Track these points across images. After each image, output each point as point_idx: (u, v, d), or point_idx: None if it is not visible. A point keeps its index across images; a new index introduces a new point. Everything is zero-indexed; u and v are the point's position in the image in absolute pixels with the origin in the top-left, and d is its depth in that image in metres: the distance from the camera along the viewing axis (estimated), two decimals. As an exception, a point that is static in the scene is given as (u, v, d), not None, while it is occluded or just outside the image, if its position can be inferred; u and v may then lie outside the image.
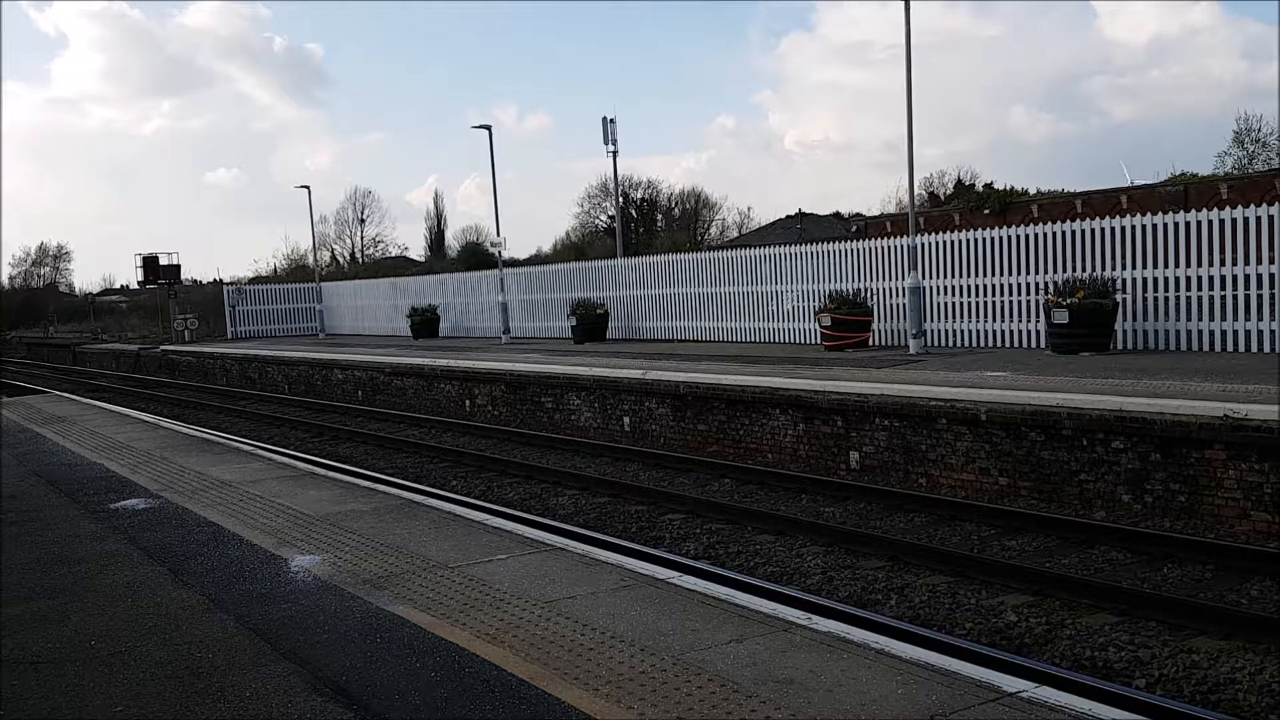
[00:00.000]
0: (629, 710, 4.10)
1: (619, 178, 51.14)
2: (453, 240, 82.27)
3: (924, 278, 17.80)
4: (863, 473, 12.15)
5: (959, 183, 55.36)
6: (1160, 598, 7.27)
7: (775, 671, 4.44)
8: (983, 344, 17.53)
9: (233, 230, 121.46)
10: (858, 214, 57.51)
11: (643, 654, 4.72)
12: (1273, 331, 13.98)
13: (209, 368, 33.29)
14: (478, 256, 62.69)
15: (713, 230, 74.56)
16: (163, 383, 33.00)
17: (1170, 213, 15.63)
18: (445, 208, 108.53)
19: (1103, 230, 15.90)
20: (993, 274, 17.38)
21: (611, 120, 34.04)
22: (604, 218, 72.00)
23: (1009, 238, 17.27)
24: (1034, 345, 16.59)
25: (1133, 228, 15.53)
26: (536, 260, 62.37)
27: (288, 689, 4.51)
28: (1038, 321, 16.44)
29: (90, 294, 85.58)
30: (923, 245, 18.18)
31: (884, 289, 19.18)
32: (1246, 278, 14.25)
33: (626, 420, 15.99)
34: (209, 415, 22.65)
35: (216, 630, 5.39)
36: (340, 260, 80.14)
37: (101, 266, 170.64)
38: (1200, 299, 14.77)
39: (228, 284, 47.92)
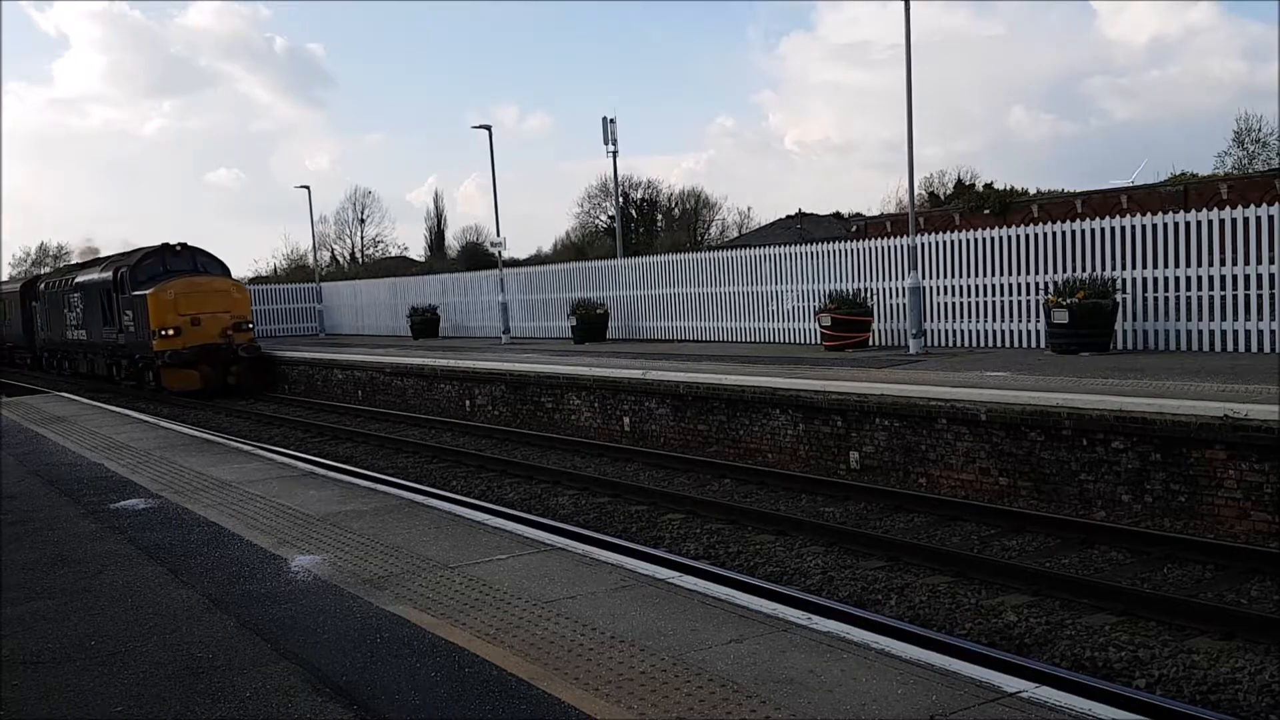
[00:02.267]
0: (629, 710, 4.10)
1: (619, 178, 51.19)
2: (453, 240, 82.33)
3: (924, 278, 17.80)
4: (863, 473, 12.15)
5: (959, 183, 55.41)
6: (1160, 598, 7.26)
7: (775, 671, 4.44)
8: (983, 344, 17.53)
9: (233, 230, 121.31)
10: (858, 214, 57.55)
11: (643, 654, 4.72)
12: (1273, 331, 13.98)
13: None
14: (478, 256, 62.73)
15: (713, 230, 74.64)
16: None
17: (1170, 213, 15.63)
18: (445, 208, 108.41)
19: (1103, 230, 15.89)
20: (993, 274, 17.37)
21: (611, 120, 34.08)
22: (604, 218, 72.04)
23: (1009, 238, 17.26)
24: (1034, 345, 16.60)
25: (1133, 228, 15.53)
26: (536, 260, 62.39)
27: (288, 689, 4.51)
28: (1038, 321, 16.44)
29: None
30: (923, 245, 18.17)
31: (884, 289, 19.18)
32: (1246, 278, 14.24)
33: (626, 420, 15.98)
34: (209, 415, 22.64)
35: (216, 630, 5.40)
36: (340, 260, 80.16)
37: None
38: (1200, 299, 14.76)
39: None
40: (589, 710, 4.10)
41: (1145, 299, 15.36)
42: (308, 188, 38.35)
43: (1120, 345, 15.45)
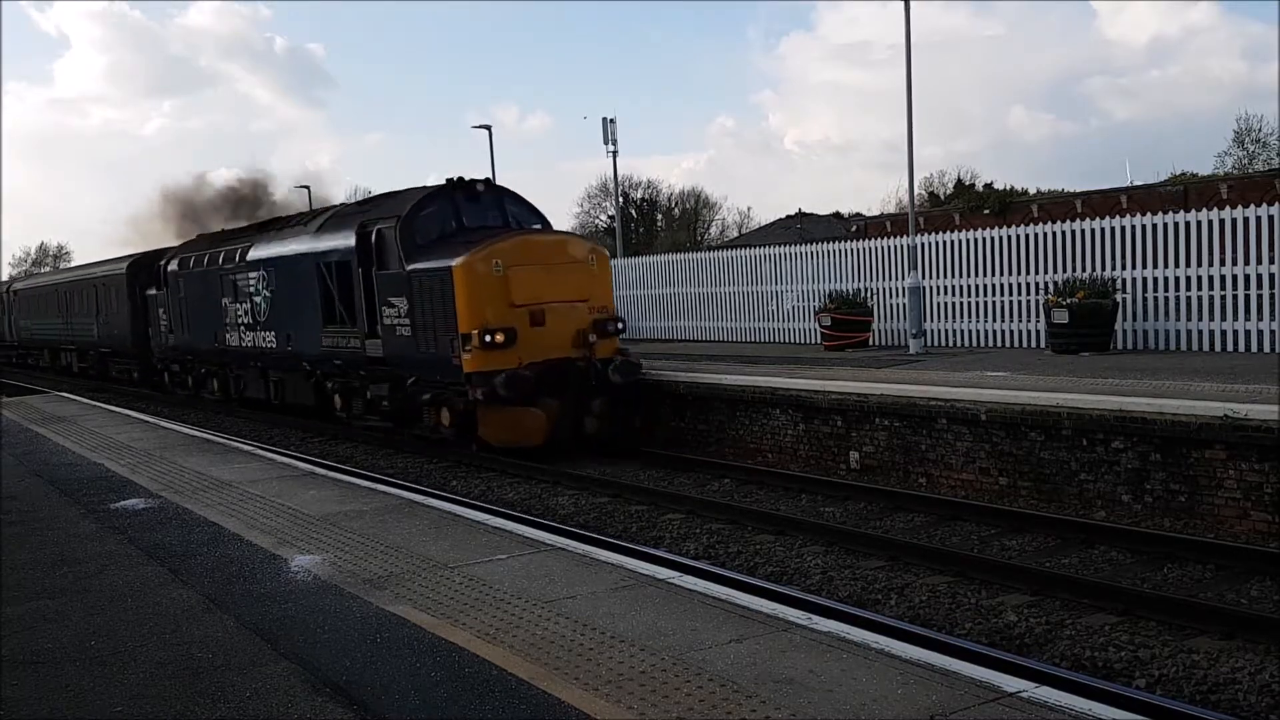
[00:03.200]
0: (629, 710, 4.10)
1: (619, 178, 51.18)
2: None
3: (924, 278, 17.79)
4: (863, 473, 12.14)
5: (959, 183, 55.36)
6: (1160, 598, 7.26)
7: (775, 671, 4.44)
8: (983, 344, 17.52)
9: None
10: (858, 214, 57.51)
11: (643, 654, 4.72)
12: (1273, 331, 13.98)
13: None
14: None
15: (713, 230, 74.64)
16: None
17: (1170, 213, 15.62)
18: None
19: (1103, 230, 15.89)
20: (993, 274, 17.36)
21: (611, 120, 34.07)
22: (604, 218, 72.01)
23: (1009, 238, 17.26)
24: (1034, 345, 16.59)
25: (1133, 228, 15.52)
26: (536, 260, 62.08)
27: (288, 689, 4.51)
28: (1038, 321, 16.44)
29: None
30: (923, 245, 18.17)
31: (884, 289, 19.17)
32: (1246, 278, 14.24)
33: (626, 420, 15.92)
34: (209, 415, 22.62)
35: (216, 630, 5.40)
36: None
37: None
38: (1200, 299, 14.76)
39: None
40: (589, 710, 4.11)
41: (1145, 299, 15.35)
42: (308, 188, 38.37)
43: (1120, 345, 15.44)
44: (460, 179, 15.41)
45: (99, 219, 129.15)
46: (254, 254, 19.39)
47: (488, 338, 13.46)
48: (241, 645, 5.13)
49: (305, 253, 17.44)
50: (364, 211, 16.51)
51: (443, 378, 14.21)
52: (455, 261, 13.75)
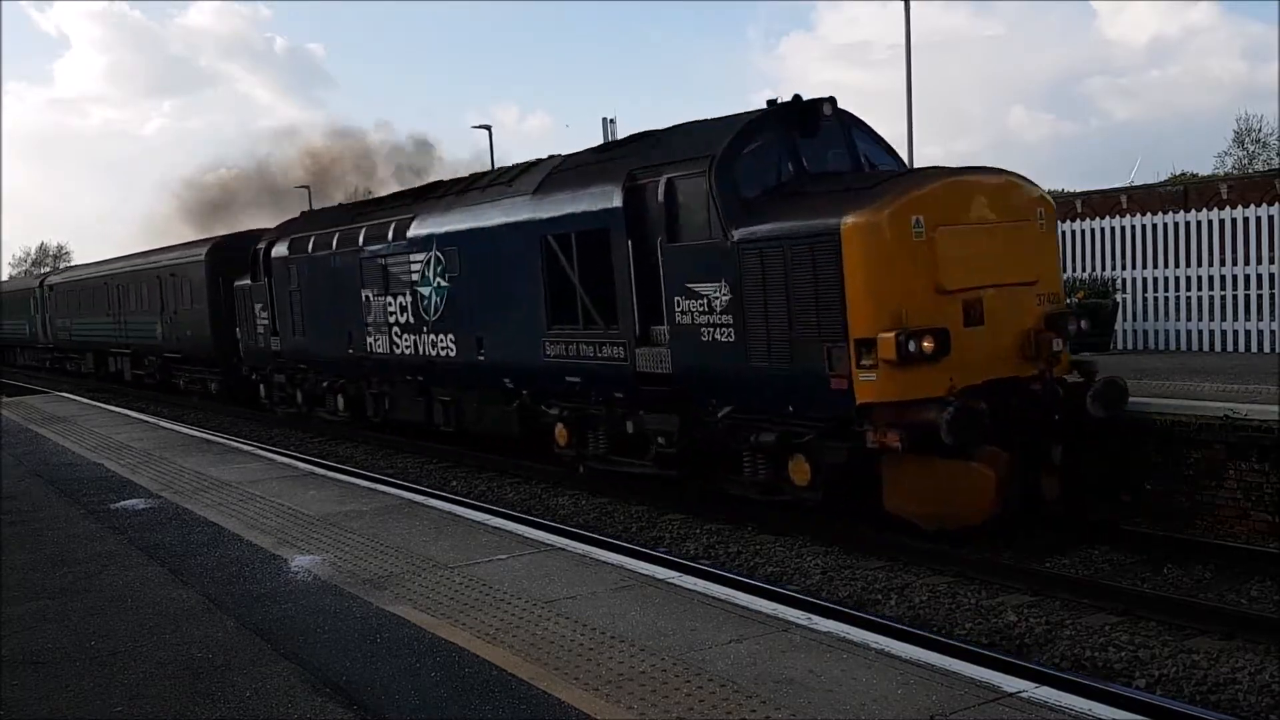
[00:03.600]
0: (629, 710, 4.10)
1: (619, 178, 51.10)
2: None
3: (924, 278, 17.74)
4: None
5: (959, 183, 55.30)
6: (1160, 598, 7.26)
7: (775, 671, 4.44)
8: (983, 344, 17.48)
9: (233, 230, 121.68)
10: (858, 214, 57.41)
11: (643, 654, 4.72)
12: (1273, 331, 13.98)
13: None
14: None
15: (713, 230, 74.59)
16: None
17: (1170, 213, 15.63)
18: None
19: (1103, 230, 15.90)
20: (993, 274, 17.33)
21: (611, 120, 33.95)
22: (604, 218, 71.89)
23: (1009, 238, 17.22)
24: (1034, 345, 16.56)
25: (1133, 228, 15.53)
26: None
27: (288, 689, 4.51)
28: (1038, 321, 16.42)
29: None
30: (923, 245, 18.13)
31: (884, 289, 19.09)
32: (1246, 278, 14.26)
33: (626, 420, 15.75)
34: (209, 415, 22.62)
35: (216, 630, 5.40)
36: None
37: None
38: (1200, 299, 14.77)
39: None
40: (589, 710, 4.11)
41: (1145, 299, 15.36)
42: (308, 188, 38.42)
43: (1120, 345, 15.44)
44: (796, 99, 10.03)
45: (99, 219, 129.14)
46: (419, 229, 14.18)
47: (910, 345, 8.00)
48: (241, 645, 5.13)
49: (517, 223, 12.20)
50: (623, 157, 11.08)
51: (799, 408, 8.95)
52: (847, 219, 8.30)
